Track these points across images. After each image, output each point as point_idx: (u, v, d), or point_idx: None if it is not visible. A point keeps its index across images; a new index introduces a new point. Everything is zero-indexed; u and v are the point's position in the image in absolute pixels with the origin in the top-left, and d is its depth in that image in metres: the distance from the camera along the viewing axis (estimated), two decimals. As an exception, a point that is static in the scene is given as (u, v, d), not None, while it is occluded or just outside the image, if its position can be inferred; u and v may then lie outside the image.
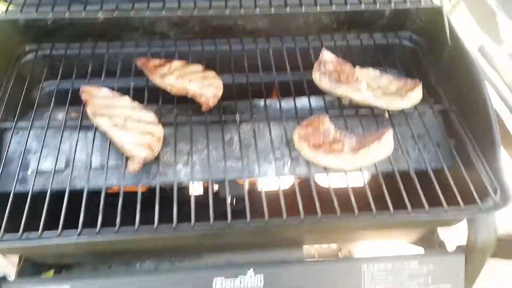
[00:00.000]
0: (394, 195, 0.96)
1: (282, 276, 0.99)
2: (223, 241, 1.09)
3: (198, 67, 1.16)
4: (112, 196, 1.00)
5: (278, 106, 1.14)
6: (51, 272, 1.16)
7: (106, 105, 1.06)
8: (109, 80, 1.18)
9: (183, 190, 1.33)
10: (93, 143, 1.05)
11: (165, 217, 0.93)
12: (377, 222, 0.94)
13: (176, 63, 1.16)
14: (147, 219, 0.93)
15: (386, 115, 1.13)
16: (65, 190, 0.98)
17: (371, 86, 1.13)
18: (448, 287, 1.01)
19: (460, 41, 1.15)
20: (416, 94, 1.10)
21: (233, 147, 1.09)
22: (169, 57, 1.22)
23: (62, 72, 1.20)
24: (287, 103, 1.17)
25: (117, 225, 0.90)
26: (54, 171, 1.00)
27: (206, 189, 1.31)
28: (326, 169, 1.02)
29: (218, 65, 1.21)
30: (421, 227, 1.10)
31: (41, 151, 1.04)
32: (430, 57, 1.27)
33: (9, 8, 1.09)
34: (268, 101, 1.17)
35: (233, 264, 1.05)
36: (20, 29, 1.20)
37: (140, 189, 0.98)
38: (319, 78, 1.14)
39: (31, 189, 0.97)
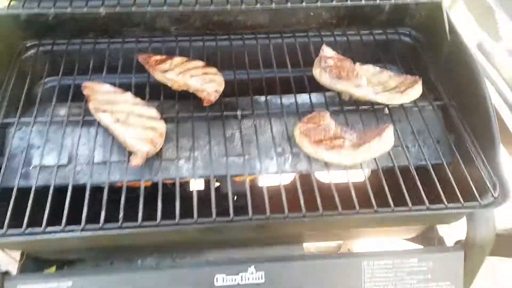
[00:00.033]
0: (394, 191, 0.97)
1: (283, 273, 1.00)
2: (225, 238, 1.10)
3: (199, 63, 1.16)
4: (113, 193, 1.01)
5: (279, 102, 1.15)
6: (53, 268, 1.17)
7: (108, 100, 1.06)
8: (111, 76, 1.18)
9: (184, 186, 1.33)
10: (95, 138, 1.06)
11: (167, 213, 0.94)
12: (378, 218, 0.95)
13: (177, 59, 1.17)
14: (148, 214, 0.93)
15: (386, 110, 1.13)
16: (68, 185, 0.98)
17: (371, 82, 1.13)
18: (448, 284, 1.02)
19: (460, 36, 1.15)
20: (415, 90, 1.11)
21: (235, 143, 1.09)
22: (170, 53, 1.22)
23: (64, 68, 1.20)
24: (288, 99, 1.17)
25: (120, 219, 0.90)
26: (58, 166, 1.01)
27: (207, 185, 1.31)
28: (327, 165, 1.03)
29: (219, 61, 1.21)
30: (421, 223, 1.11)
31: (44, 146, 1.04)
32: (429, 53, 1.28)
33: (11, 3, 1.09)
34: (269, 97, 1.17)
35: (234, 261, 1.05)
36: (22, 25, 1.20)
37: (143, 185, 0.99)
38: (320, 73, 1.15)
39: (34, 184, 0.97)
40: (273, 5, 1.11)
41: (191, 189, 1.31)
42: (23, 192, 0.97)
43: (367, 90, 1.11)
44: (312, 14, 1.29)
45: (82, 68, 1.20)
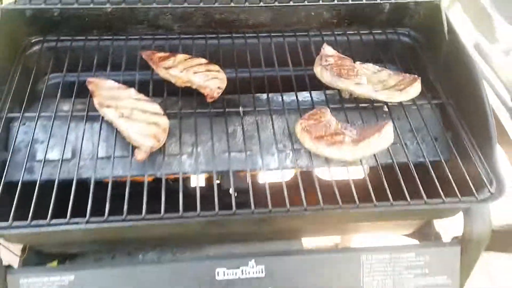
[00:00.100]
0: (393, 187, 0.99)
1: (283, 267, 1.01)
2: (225, 232, 1.12)
3: (202, 60, 1.18)
4: (113, 188, 1.02)
5: (280, 100, 1.17)
6: (55, 262, 1.19)
7: (113, 96, 1.08)
8: (114, 73, 1.19)
9: (184, 183, 1.35)
10: (99, 133, 1.07)
11: (168, 209, 0.95)
12: (377, 212, 0.97)
13: (181, 56, 1.18)
14: (150, 210, 0.95)
15: (385, 108, 1.16)
16: (72, 179, 1.00)
17: (371, 81, 1.15)
18: (444, 278, 1.04)
19: (458, 36, 1.18)
20: (414, 89, 1.13)
21: (237, 139, 1.11)
22: (173, 51, 1.24)
23: (68, 65, 1.22)
24: (289, 97, 1.19)
25: (125, 212, 0.92)
26: (62, 161, 1.02)
27: (208, 182, 1.33)
28: (327, 161, 1.05)
29: (221, 59, 1.23)
30: (419, 217, 1.13)
31: (48, 141, 1.05)
32: (428, 53, 1.31)
33: (18, -3, 1.10)
34: (270, 95, 1.19)
35: (235, 255, 1.07)
36: (27, 21, 1.22)
37: (146, 179, 1.00)
38: (321, 71, 1.17)
39: (39, 178, 0.98)
40: (276, 3, 1.13)
41: (192, 186, 1.33)
42: (27, 186, 0.98)
43: (367, 88, 1.13)
44: (313, 13, 1.31)
45: (86, 64, 1.22)
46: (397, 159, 1.05)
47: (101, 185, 1.01)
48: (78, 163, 1.03)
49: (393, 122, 1.09)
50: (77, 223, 0.91)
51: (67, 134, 1.07)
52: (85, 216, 0.92)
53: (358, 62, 1.21)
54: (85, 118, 1.10)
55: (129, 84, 1.15)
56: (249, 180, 1.01)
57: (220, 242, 1.17)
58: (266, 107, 1.15)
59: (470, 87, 1.11)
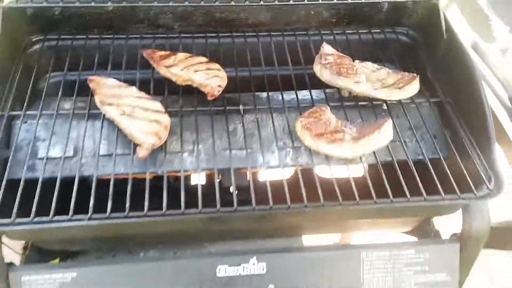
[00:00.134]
0: (393, 184, 1.00)
1: (284, 264, 1.02)
2: (227, 230, 1.12)
3: (203, 59, 1.19)
4: (115, 186, 1.02)
5: (280, 98, 1.18)
6: (56, 260, 1.19)
7: (114, 94, 1.09)
8: (115, 72, 1.20)
9: (185, 181, 1.35)
10: (101, 131, 1.08)
11: (170, 207, 0.96)
12: (377, 208, 0.97)
13: (181, 55, 1.19)
14: (152, 207, 0.95)
15: (385, 106, 1.17)
16: (74, 177, 1.00)
17: (370, 79, 1.17)
18: (444, 275, 1.04)
19: (456, 35, 1.19)
20: (413, 87, 1.14)
21: (237, 137, 1.12)
22: (174, 50, 1.24)
23: (68, 63, 1.22)
24: (288, 95, 1.20)
25: (127, 209, 0.92)
26: (64, 158, 1.03)
27: (208, 180, 1.34)
28: (327, 158, 1.06)
29: (222, 58, 1.24)
30: (419, 214, 1.14)
31: (50, 139, 1.06)
32: (426, 52, 1.32)
33: (21, -5, 1.11)
34: (270, 93, 1.20)
35: (236, 252, 1.07)
36: (27, 19, 1.22)
37: (148, 177, 1.01)
38: (320, 70, 1.18)
39: (41, 176, 0.99)
40: (276, 2, 1.14)
41: (192, 184, 1.34)
42: (29, 184, 0.98)
43: (366, 86, 1.14)
44: (312, 12, 1.32)
45: (87, 63, 1.22)
46: (397, 157, 1.06)
47: (102, 183, 1.02)
48: (80, 161, 1.04)
49: (392, 120, 1.10)
50: (79, 219, 0.91)
51: (68, 132, 1.07)
52: (86, 213, 0.92)
53: (357, 61, 1.22)
54: (86, 116, 1.10)
55: (130, 83, 1.15)
56: (250, 177, 1.02)
57: (221, 239, 1.18)
58: (266, 105, 1.16)
59: (469, 85, 1.12)
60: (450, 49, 1.22)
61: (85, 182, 1.07)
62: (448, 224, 1.17)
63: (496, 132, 1.07)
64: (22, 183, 0.97)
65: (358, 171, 1.17)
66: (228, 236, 1.18)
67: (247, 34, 1.33)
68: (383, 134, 1.02)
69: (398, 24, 1.38)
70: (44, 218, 0.91)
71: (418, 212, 1.11)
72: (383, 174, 1.00)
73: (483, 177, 1.01)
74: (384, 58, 1.30)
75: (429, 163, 1.04)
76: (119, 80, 1.16)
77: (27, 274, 0.96)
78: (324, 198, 0.97)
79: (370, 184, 0.99)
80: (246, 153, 1.08)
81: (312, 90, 1.20)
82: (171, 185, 1.04)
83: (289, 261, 1.02)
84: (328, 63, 1.18)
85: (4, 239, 1.00)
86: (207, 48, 1.28)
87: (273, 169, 1.09)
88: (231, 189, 1.02)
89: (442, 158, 1.07)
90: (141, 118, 1.04)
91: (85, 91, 1.14)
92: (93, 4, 1.08)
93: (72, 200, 0.94)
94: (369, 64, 1.22)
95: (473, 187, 0.99)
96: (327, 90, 1.21)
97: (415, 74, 1.17)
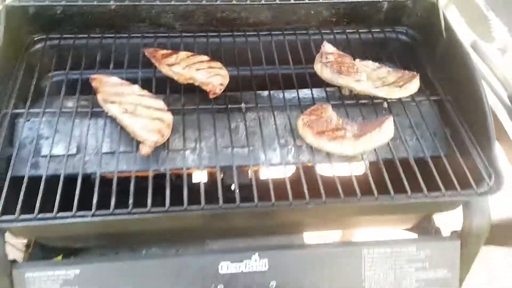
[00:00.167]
0: (393, 182, 1.00)
1: (285, 260, 1.02)
2: (228, 227, 1.13)
3: (204, 58, 1.20)
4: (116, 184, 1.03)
5: (282, 96, 1.18)
6: (59, 257, 1.19)
7: (116, 92, 1.09)
8: (117, 71, 1.21)
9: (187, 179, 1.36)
10: (103, 129, 1.08)
11: (172, 204, 0.96)
12: (378, 205, 0.98)
13: (183, 54, 1.20)
14: (154, 204, 0.96)
15: (385, 105, 1.17)
16: (77, 174, 1.01)
17: (370, 77, 1.18)
18: (445, 272, 1.05)
19: (455, 34, 1.20)
20: (413, 85, 1.15)
21: (239, 135, 1.13)
22: (175, 49, 1.25)
23: (71, 62, 1.23)
24: (290, 94, 1.21)
25: (130, 205, 0.93)
26: (67, 156, 1.03)
27: (210, 178, 1.34)
28: (329, 156, 1.06)
29: (223, 57, 1.25)
30: (419, 211, 1.15)
31: (54, 136, 1.06)
32: (426, 51, 1.33)
33: (23, -5, 1.12)
34: (271, 92, 1.21)
35: (238, 248, 1.08)
36: (29, 18, 1.23)
37: (151, 174, 1.01)
38: (321, 69, 1.19)
39: (45, 173, 0.99)
40: (277, 1, 1.15)
41: (193, 182, 1.34)
42: (32, 181, 0.99)
43: (367, 85, 1.15)
44: (312, 12, 1.33)
45: (89, 62, 1.23)
46: (397, 154, 1.07)
47: (104, 181, 1.02)
48: (84, 158, 1.04)
49: (393, 118, 1.11)
50: (83, 216, 0.92)
51: (71, 130, 1.08)
52: (89, 211, 0.93)
53: (357, 59, 1.23)
54: (89, 114, 1.11)
55: (132, 81, 1.16)
56: (252, 175, 1.02)
57: (223, 237, 1.18)
58: (268, 104, 1.17)
59: (468, 83, 1.13)
60: (449, 48, 1.23)
61: (87, 180, 1.08)
62: (448, 222, 1.18)
63: (495, 131, 1.08)
64: (26, 180, 0.98)
65: (359, 169, 1.18)
66: (230, 233, 1.18)
67: (248, 33, 1.34)
68: (384, 131, 1.03)
69: (397, 23, 1.39)
70: (48, 215, 0.92)
71: (418, 208, 1.11)
72: (384, 171, 1.01)
73: (483, 174, 1.02)
74: (384, 57, 1.31)
75: (430, 160, 1.05)
76: (121, 79, 1.16)
77: (30, 271, 0.96)
78: (326, 195, 0.97)
79: (372, 181, 0.99)
80: (248, 151, 1.09)
81: (313, 89, 1.21)
82: (172, 182, 1.04)
83: (291, 258, 1.03)
84: (329, 62, 1.19)
85: (7, 237, 1.00)
86: (208, 47, 1.29)
87: (275, 166, 1.10)
88: (233, 187, 1.03)
89: (442, 155, 1.07)
90: (143, 116, 1.05)
91: (88, 90, 1.15)
92: (95, 2, 1.09)
93: (75, 196, 0.94)
94: (369, 63, 1.23)
95: (473, 184, 1.00)
96: (328, 89, 1.22)
97: (415, 73, 1.18)
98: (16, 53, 1.22)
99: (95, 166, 1.05)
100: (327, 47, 1.24)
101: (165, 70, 1.17)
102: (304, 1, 1.19)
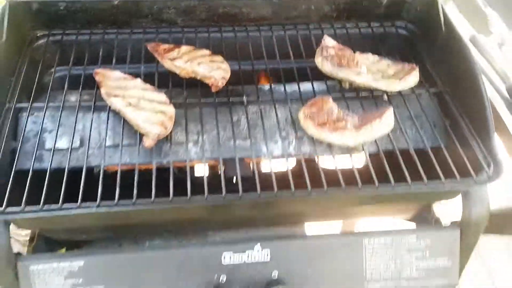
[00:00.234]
0: (394, 172, 1.01)
1: (287, 250, 1.03)
2: (230, 219, 1.14)
3: (206, 52, 1.21)
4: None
5: (283, 90, 1.20)
6: (63, 250, 1.20)
7: (119, 86, 1.11)
8: (120, 66, 1.22)
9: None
10: (107, 123, 1.09)
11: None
12: (379, 194, 1.00)
13: (185, 48, 1.21)
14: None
15: (385, 97, 1.19)
16: (81, 167, 1.02)
17: (370, 70, 1.19)
18: (445, 261, 1.06)
19: (454, 27, 1.21)
20: (413, 77, 1.16)
21: (241, 127, 1.14)
22: (177, 44, 1.26)
23: (73, 58, 1.24)
24: (291, 87, 1.22)
25: (134, 196, 0.94)
26: (71, 149, 1.05)
27: (211, 171, 1.36)
28: (330, 147, 1.08)
29: (224, 52, 1.26)
30: (419, 200, 1.16)
31: (57, 130, 1.07)
32: (425, 45, 1.34)
33: (26, -10, 1.13)
34: (273, 85, 1.22)
35: (241, 239, 1.09)
36: (32, 14, 1.24)
37: (154, 166, 1.03)
38: (322, 62, 1.20)
39: (49, 166, 1.00)
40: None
41: (196, 175, 1.36)
42: (36, 174, 1.00)
43: (367, 77, 1.16)
44: (313, 7, 1.34)
45: (92, 58, 1.24)
46: (398, 145, 1.08)
47: (107, 175, 1.03)
48: (87, 152, 1.05)
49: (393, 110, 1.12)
50: (88, 207, 0.93)
51: (75, 123, 1.09)
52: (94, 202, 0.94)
53: (358, 52, 1.24)
54: (92, 108, 1.12)
55: (134, 76, 1.17)
56: (254, 166, 1.04)
57: (225, 228, 1.19)
58: (269, 97, 1.18)
59: (467, 76, 1.14)
60: (448, 42, 1.24)
61: (90, 174, 1.09)
62: (448, 211, 1.20)
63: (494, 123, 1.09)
64: (30, 172, 0.99)
65: (360, 160, 1.19)
66: (232, 225, 1.20)
67: (249, 28, 1.35)
68: (384, 122, 1.04)
69: (397, 18, 1.41)
70: (54, 206, 0.93)
71: (419, 197, 1.13)
72: (385, 161, 1.02)
73: (482, 163, 1.03)
74: (384, 51, 1.32)
75: (430, 151, 1.06)
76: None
77: (35, 263, 0.97)
78: (327, 186, 0.99)
79: (372, 171, 1.01)
80: (250, 143, 1.10)
81: (314, 82, 1.22)
82: (175, 175, 1.05)
83: (292, 248, 1.04)
84: (330, 55, 1.20)
85: (12, 227, 1.01)
86: (210, 42, 1.30)
87: (277, 158, 1.11)
88: (235, 179, 1.04)
89: (442, 146, 1.09)
90: (146, 109, 1.06)
91: (90, 85, 1.16)
92: (98, -2, 1.10)
93: (80, 188, 0.95)
94: (369, 56, 1.24)
95: (472, 173, 1.01)
96: (329, 82, 1.23)
97: (414, 65, 1.19)
98: (19, 49, 1.23)
99: (99, 159, 1.06)
100: (328, 40, 1.26)
101: (167, 64, 1.18)
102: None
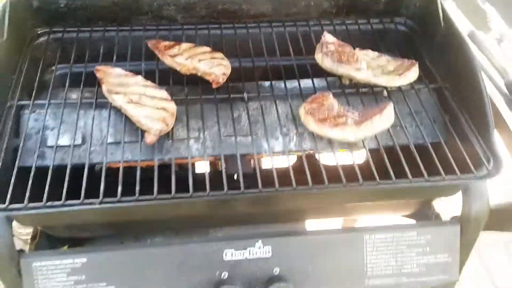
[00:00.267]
0: (394, 168, 1.02)
1: (289, 247, 1.04)
2: (232, 215, 1.15)
3: (207, 49, 1.21)
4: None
5: (283, 86, 1.20)
6: (65, 247, 1.21)
7: (121, 83, 1.11)
8: (120, 63, 1.22)
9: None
10: (108, 119, 1.10)
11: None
12: (380, 189, 1.00)
13: (185, 45, 1.22)
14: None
15: (385, 93, 1.19)
16: (83, 164, 1.02)
17: (370, 66, 1.19)
18: (445, 256, 1.07)
19: (453, 22, 1.22)
20: (413, 73, 1.17)
21: (242, 124, 1.14)
22: (177, 41, 1.27)
23: (74, 55, 1.24)
24: (291, 84, 1.22)
25: (137, 193, 0.95)
26: (73, 146, 1.05)
27: (212, 168, 1.36)
28: (330, 142, 1.08)
29: (225, 49, 1.26)
30: (420, 196, 1.17)
31: (59, 127, 1.08)
32: (424, 40, 1.35)
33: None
34: (273, 82, 1.22)
35: (242, 236, 1.09)
36: (33, 12, 1.25)
37: (156, 163, 1.03)
38: (322, 58, 1.20)
39: (52, 163, 1.01)
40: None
41: (197, 172, 1.36)
42: (39, 171, 1.00)
43: (367, 73, 1.17)
44: (312, 3, 1.35)
45: (92, 55, 1.24)
46: (398, 141, 1.08)
47: (108, 173, 1.04)
48: (89, 149, 1.06)
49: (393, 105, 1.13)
50: (91, 203, 0.93)
51: (77, 120, 1.09)
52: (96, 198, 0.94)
53: (357, 48, 1.24)
54: (94, 105, 1.12)
55: (135, 73, 1.17)
56: (255, 162, 1.04)
57: (227, 225, 1.20)
58: (270, 93, 1.18)
59: (466, 71, 1.15)
60: (447, 37, 1.24)
61: (92, 172, 1.09)
62: (448, 208, 1.20)
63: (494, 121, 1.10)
64: (33, 170, 0.99)
65: (360, 157, 1.20)
66: (234, 221, 1.20)
67: (249, 25, 1.35)
68: (384, 117, 1.05)
69: (396, 14, 1.41)
70: (56, 202, 0.93)
71: (419, 193, 1.13)
72: (385, 156, 1.03)
73: (482, 158, 1.03)
74: (383, 47, 1.32)
75: (430, 146, 1.07)
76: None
77: (38, 260, 0.97)
78: (328, 181, 0.99)
79: (373, 166, 1.01)
80: (251, 139, 1.11)
81: (314, 78, 1.22)
82: (176, 173, 1.06)
83: (294, 244, 1.04)
84: (329, 51, 1.20)
85: (14, 224, 1.02)
86: (210, 39, 1.31)
87: (278, 154, 1.11)
88: (236, 176, 1.04)
89: (442, 141, 1.09)
90: (148, 105, 1.06)
91: (91, 82, 1.17)
92: (98, -5, 1.10)
93: (83, 185, 0.96)
94: (369, 52, 1.24)
95: (472, 168, 1.02)
96: (329, 78, 1.24)
97: (414, 61, 1.20)
98: (20, 47, 1.23)
99: (101, 156, 1.07)
100: (328, 37, 1.26)
101: (168, 61, 1.19)
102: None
